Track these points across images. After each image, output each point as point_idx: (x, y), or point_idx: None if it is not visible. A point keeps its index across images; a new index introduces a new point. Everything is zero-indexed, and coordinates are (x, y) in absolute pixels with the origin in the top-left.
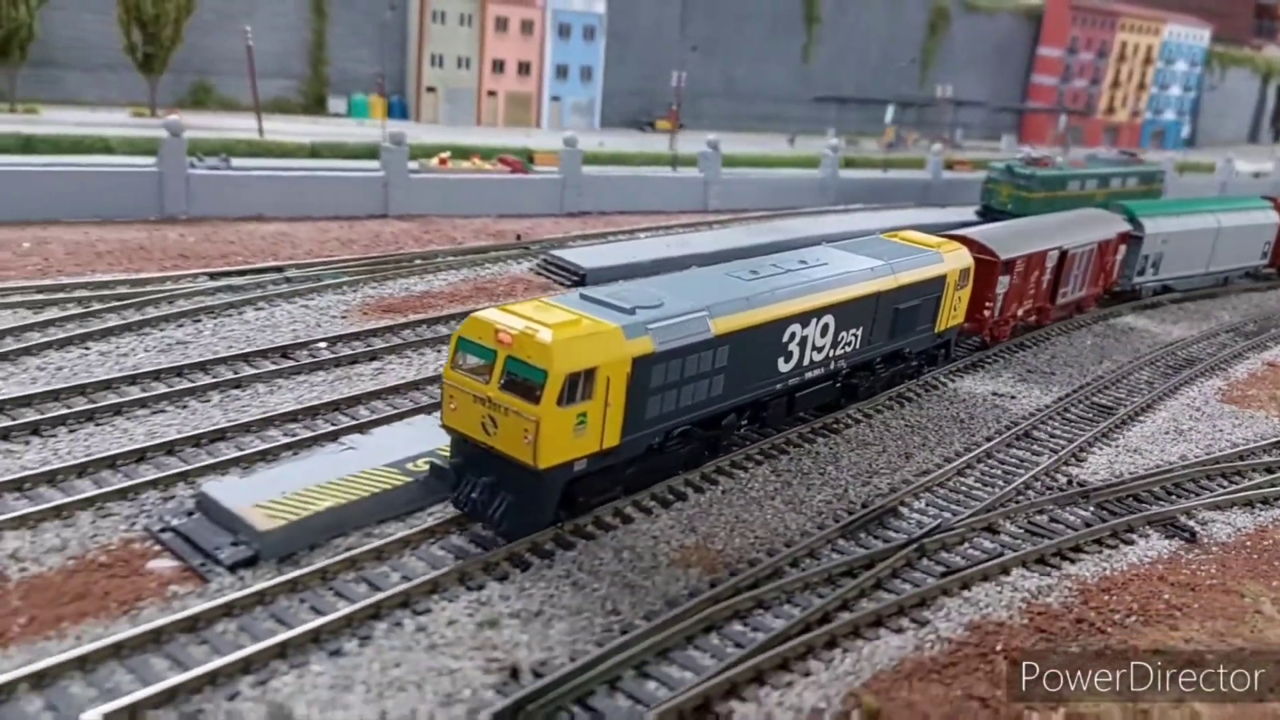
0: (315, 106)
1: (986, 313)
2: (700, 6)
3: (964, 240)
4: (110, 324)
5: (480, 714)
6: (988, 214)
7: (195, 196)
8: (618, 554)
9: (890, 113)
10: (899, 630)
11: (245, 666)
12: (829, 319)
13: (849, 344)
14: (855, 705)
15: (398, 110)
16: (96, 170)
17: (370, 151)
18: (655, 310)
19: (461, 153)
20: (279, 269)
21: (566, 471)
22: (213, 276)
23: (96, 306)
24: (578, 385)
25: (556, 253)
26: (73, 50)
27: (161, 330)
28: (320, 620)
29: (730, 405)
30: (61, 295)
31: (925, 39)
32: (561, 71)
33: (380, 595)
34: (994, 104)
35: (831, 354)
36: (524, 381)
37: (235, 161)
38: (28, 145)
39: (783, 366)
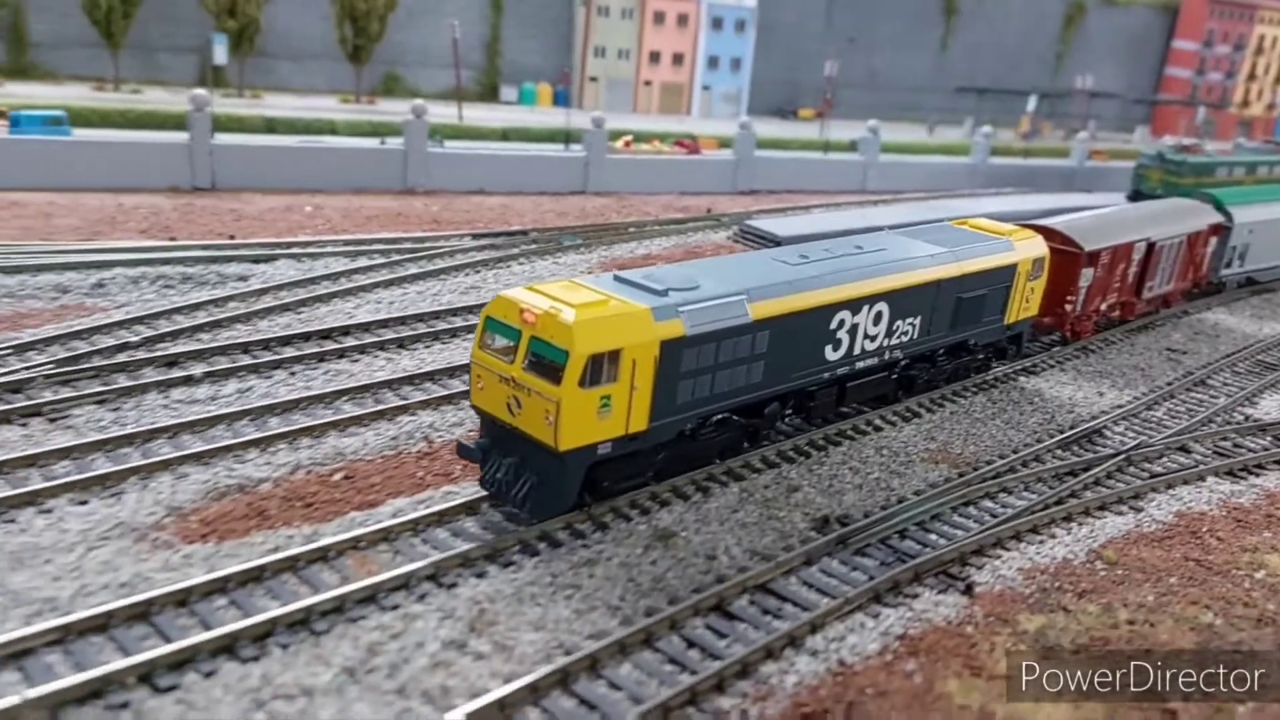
0: (489, 95)
1: (1068, 307)
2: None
3: (1046, 230)
4: (412, 271)
5: (795, 540)
6: (1138, 198)
7: (432, 171)
8: (878, 451)
9: (1033, 103)
10: (1120, 514)
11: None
12: (882, 307)
13: (906, 334)
14: (1097, 557)
15: (562, 99)
16: (354, 149)
17: (551, 135)
18: (689, 293)
19: (639, 137)
20: (524, 232)
21: (589, 455)
22: (475, 237)
23: (396, 257)
24: (601, 367)
25: (750, 222)
26: (285, 42)
27: (455, 277)
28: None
29: (771, 393)
30: (366, 248)
31: (1061, 31)
32: (713, 62)
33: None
34: (1129, 96)
35: (886, 344)
36: (547, 362)
37: (448, 143)
38: (270, 126)
39: (831, 355)
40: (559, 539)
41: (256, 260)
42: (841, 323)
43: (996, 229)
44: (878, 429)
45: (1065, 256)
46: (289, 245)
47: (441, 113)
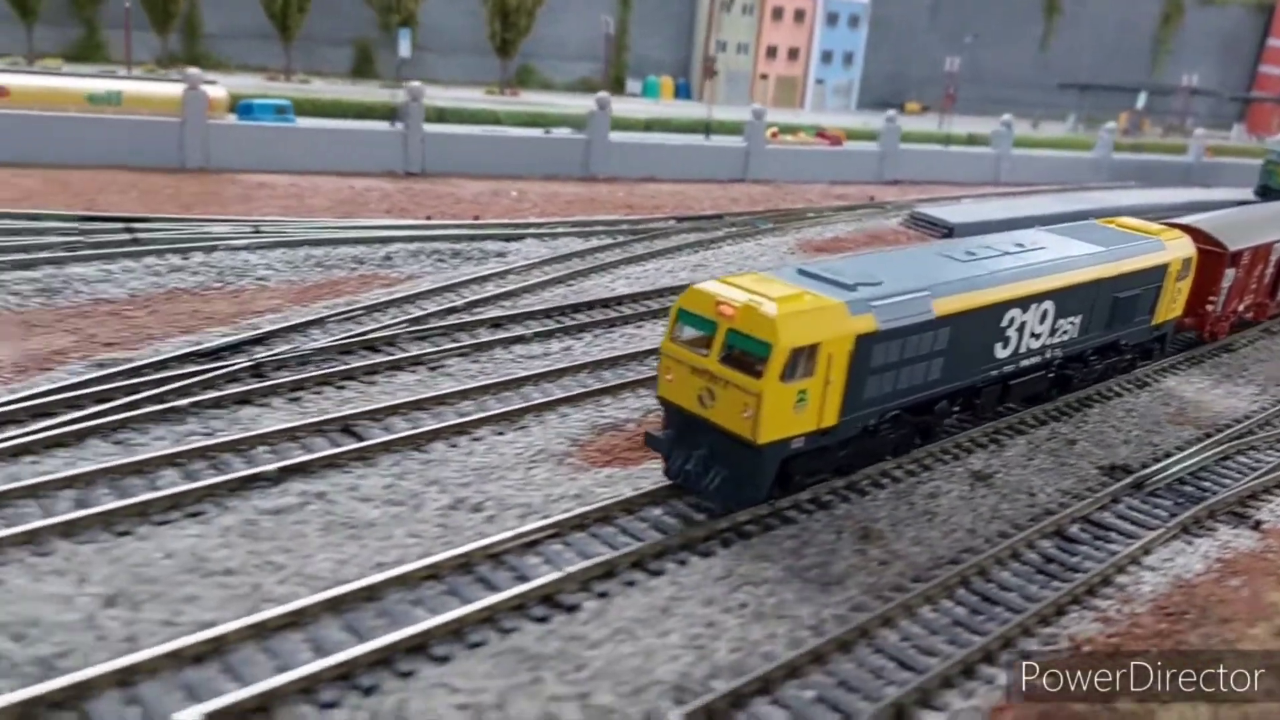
0: (615, 87)
1: (1210, 308)
2: None
3: (1187, 229)
4: (640, 250)
5: (1091, 483)
6: (1266, 194)
7: (610, 159)
8: (1128, 414)
9: (1142, 99)
10: None
11: None
12: (1049, 305)
13: (1066, 332)
14: None
15: (683, 91)
16: (544, 139)
17: (689, 125)
18: (876, 288)
19: (784, 129)
20: (719, 216)
21: (784, 448)
22: (679, 220)
23: (621, 238)
24: (800, 361)
25: (921, 210)
26: (433, 36)
27: (681, 255)
28: None
29: (945, 390)
30: (591, 229)
31: (1158, 29)
32: (826, 56)
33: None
34: (1226, 93)
35: (1049, 342)
36: (746, 355)
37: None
38: (440, 116)
39: (1000, 353)
40: (884, 481)
41: (507, 239)
42: (1012, 320)
43: (1146, 228)
44: (1118, 395)
45: (1209, 256)
46: (527, 226)
47: (568, 104)
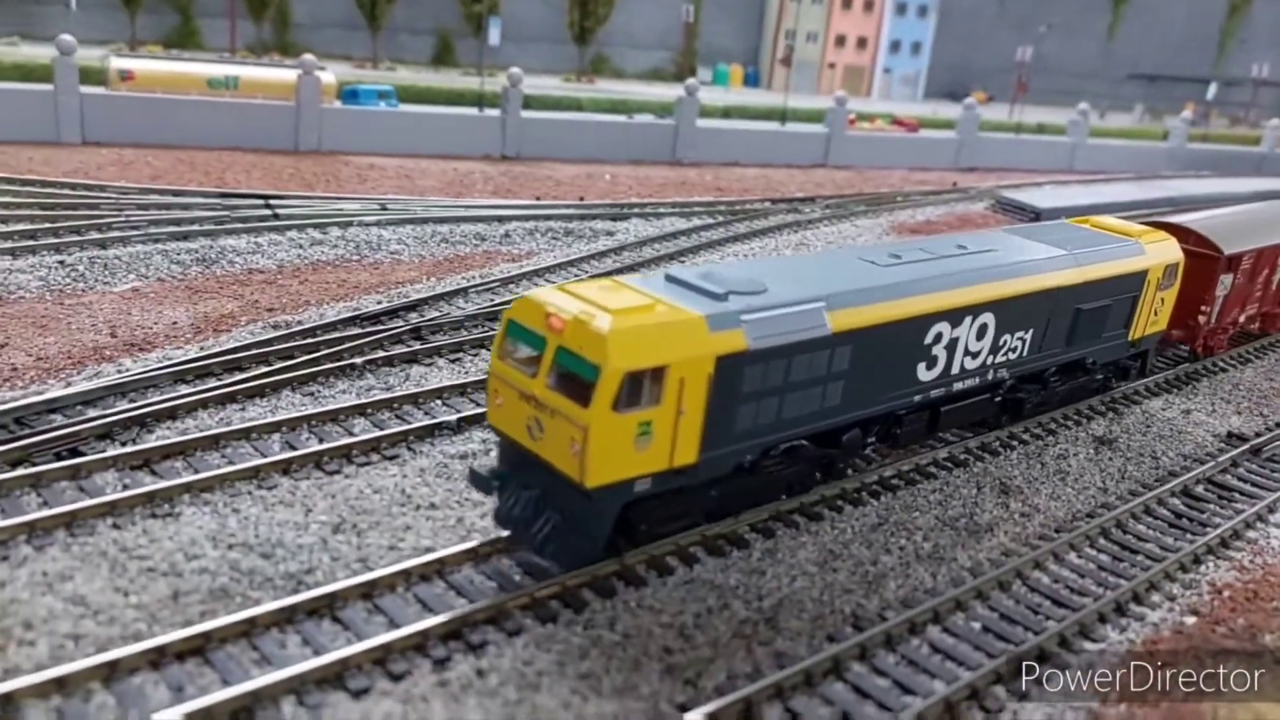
0: (686, 75)
1: (1201, 319)
2: None
3: (1177, 230)
4: (743, 230)
5: (1210, 450)
6: None
7: (698, 144)
8: (1235, 388)
9: (1213, 90)
10: None
11: None
12: (988, 318)
13: (1014, 349)
14: None
15: (752, 80)
16: (632, 124)
17: (764, 113)
18: (755, 298)
19: (861, 116)
20: (811, 199)
21: (623, 492)
22: (773, 202)
23: (720, 218)
24: (641, 387)
25: (1007, 194)
26: (512, 25)
27: (783, 235)
28: None
29: (851, 419)
30: (690, 210)
31: (1224, 20)
32: (895, 46)
33: None
34: None
35: (991, 361)
36: (575, 379)
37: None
38: (526, 103)
39: (924, 374)
40: (1013, 443)
41: (614, 218)
42: (939, 336)
43: (1124, 229)
44: (1223, 370)
45: (1200, 260)
46: (630, 206)
47: (643, 91)
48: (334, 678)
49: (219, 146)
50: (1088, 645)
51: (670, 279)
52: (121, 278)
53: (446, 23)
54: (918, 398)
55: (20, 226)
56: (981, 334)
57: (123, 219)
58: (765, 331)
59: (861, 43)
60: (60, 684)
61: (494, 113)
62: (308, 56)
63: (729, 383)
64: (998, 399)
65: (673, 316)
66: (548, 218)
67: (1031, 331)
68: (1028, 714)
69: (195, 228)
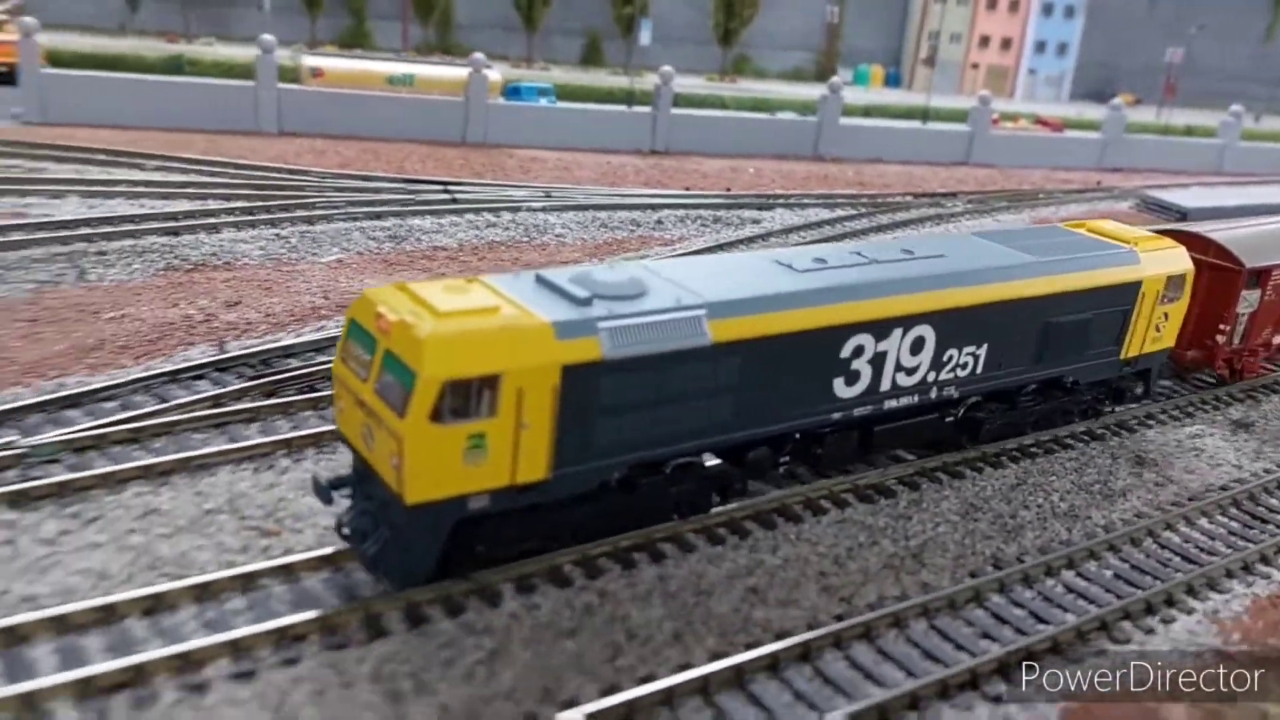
0: (825, 76)
1: (1220, 339)
2: None
3: (1194, 240)
4: (885, 220)
5: None
6: None
7: (839, 141)
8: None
9: None
10: None
11: None
12: (924, 331)
13: (965, 366)
14: None
15: (893, 80)
16: (775, 121)
17: (904, 112)
18: (624, 303)
19: (1004, 116)
20: (953, 194)
21: (453, 509)
22: (915, 196)
23: (863, 209)
24: (468, 396)
25: (1152, 194)
26: (657, 25)
27: (925, 226)
28: None
29: (750, 436)
30: (833, 202)
31: None
32: (1040, 46)
33: None
34: None
35: (934, 378)
36: (398, 385)
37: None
38: (674, 101)
39: (843, 390)
40: (1150, 422)
41: (760, 208)
42: (859, 350)
43: (1121, 235)
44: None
45: (1220, 274)
46: (775, 197)
47: (784, 91)
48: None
49: (396, 138)
50: (1213, 595)
51: (540, 280)
52: (327, 250)
53: (596, 25)
54: (837, 416)
55: (240, 204)
56: (917, 348)
57: (324, 200)
58: (626, 340)
59: (1006, 43)
60: (329, 560)
61: (643, 109)
62: (478, 55)
63: (583, 395)
64: (950, 419)
65: (511, 322)
66: (697, 206)
67: (986, 347)
68: (1155, 644)
69: (386, 209)
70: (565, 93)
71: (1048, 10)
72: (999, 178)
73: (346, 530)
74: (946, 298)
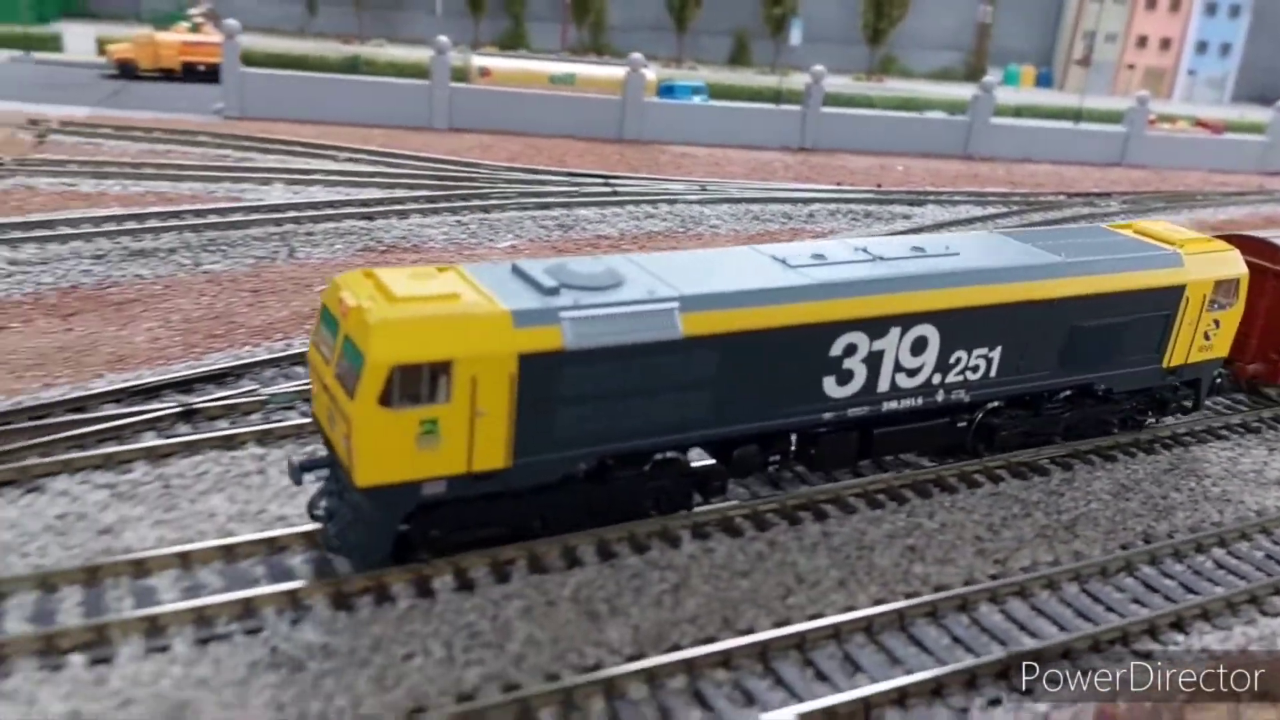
0: (974, 76)
1: None
2: None
3: (1257, 245)
4: (1035, 219)
5: None
6: None
7: (989, 140)
8: None
9: None
10: None
11: None
12: (927, 331)
13: (976, 369)
14: None
15: (1045, 80)
16: (924, 119)
17: (1057, 113)
18: (592, 294)
19: (1162, 118)
20: (1106, 194)
21: (408, 495)
22: (1068, 195)
23: (1014, 207)
24: (419, 382)
25: None
26: (813, 26)
27: (1078, 223)
28: None
29: (728, 433)
30: (983, 199)
31: None
32: (1201, 47)
33: None
34: None
35: (940, 380)
36: (351, 369)
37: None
38: (851, 101)
39: (835, 390)
40: None
41: (910, 204)
42: (851, 348)
43: (1167, 236)
44: None
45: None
46: (926, 194)
47: (931, 91)
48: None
49: (555, 134)
50: None
51: (515, 270)
52: (502, 236)
53: (744, 25)
54: (829, 416)
55: (424, 193)
56: (920, 349)
57: (497, 190)
58: (590, 330)
59: (1165, 44)
60: None
61: (792, 108)
62: (636, 55)
63: (544, 384)
64: (963, 425)
65: (467, 309)
66: (848, 201)
67: (1001, 349)
68: None
69: (553, 200)
70: (715, 91)
71: (1211, 10)
72: (1154, 179)
73: (318, 511)
74: (951, 297)
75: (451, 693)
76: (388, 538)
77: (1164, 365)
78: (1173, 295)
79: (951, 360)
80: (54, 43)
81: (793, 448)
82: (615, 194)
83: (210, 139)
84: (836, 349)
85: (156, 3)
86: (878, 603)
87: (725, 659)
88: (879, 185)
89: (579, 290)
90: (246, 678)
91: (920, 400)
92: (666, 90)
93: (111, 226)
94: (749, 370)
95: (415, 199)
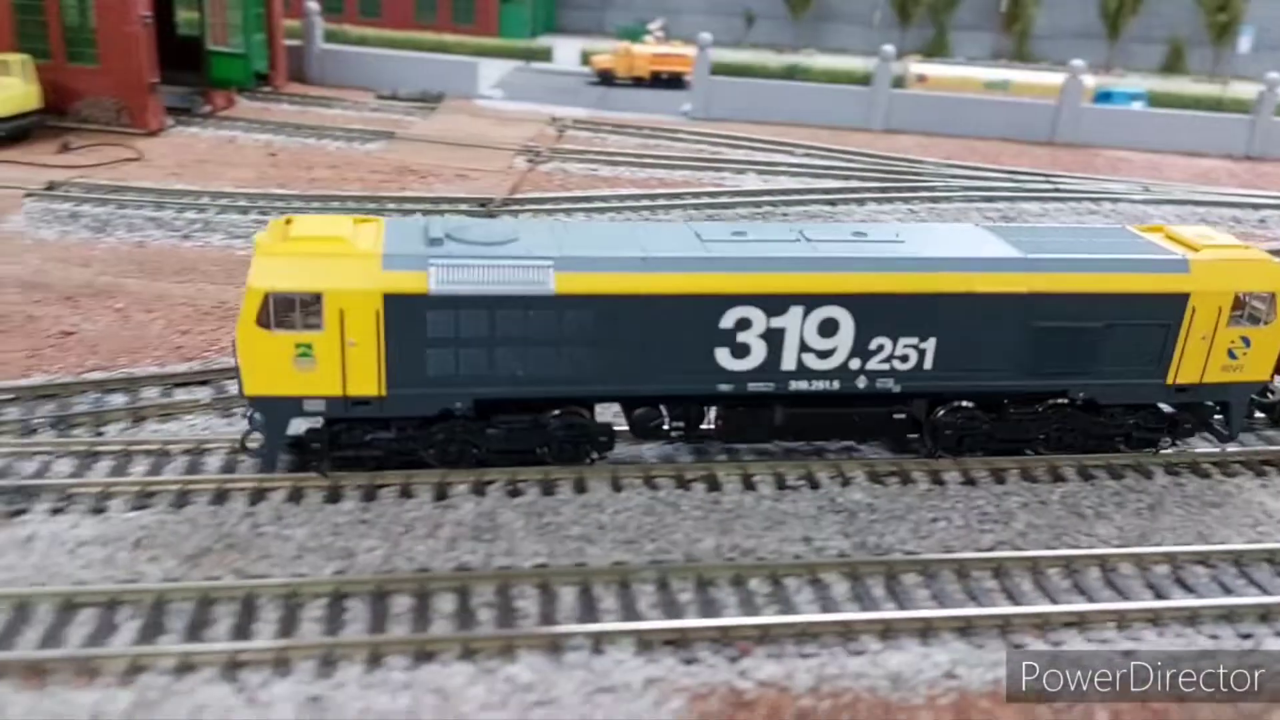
0: None
1: None
2: None
3: None
4: None
5: None
6: None
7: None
8: None
9: None
10: None
11: None
12: (835, 312)
13: (905, 358)
14: None
15: None
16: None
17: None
18: (475, 248)
19: None
20: None
21: (289, 408)
22: None
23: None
24: (292, 309)
25: None
26: (1263, 33)
27: None
28: None
29: (610, 391)
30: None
31: None
32: None
33: None
34: None
35: (859, 365)
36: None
37: None
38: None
39: (730, 362)
40: None
41: None
42: (744, 322)
43: (1193, 243)
44: None
45: None
46: None
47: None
48: None
49: (987, 136)
50: None
51: (424, 222)
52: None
53: (1181, 32)
54: (726, 388)
55: (875, 184)
56: (829, 330)
57: (942, 184)
58: (455, 278)
59: None
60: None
61: (1238, 116)
62: (1076, 62)
63: (410, 324)
64: (901, 416)
65: (341, 250)
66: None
67: (936, 341)
68: None
69: (997, 194)
70: (1152, 99)
71: None
72: None
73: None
74: (864, 281)
75: (971, 547)
76: (275, 445)
77: (1169, 382)
78: (1172, 304)
79: (872, 347)
80: (545, 55)
81: (709, 421)
82: (1057, 190)
83: (687, 135)
84: (727, 322)
85: (619, 20)
86: None
87: (1204, 558)
88: None
89: (463, 244)
90: (817, 515)
91: (836, 384)
92: (1103, 96)
93: (631, 204)
94: (630, 333)
95: (869, 189)
